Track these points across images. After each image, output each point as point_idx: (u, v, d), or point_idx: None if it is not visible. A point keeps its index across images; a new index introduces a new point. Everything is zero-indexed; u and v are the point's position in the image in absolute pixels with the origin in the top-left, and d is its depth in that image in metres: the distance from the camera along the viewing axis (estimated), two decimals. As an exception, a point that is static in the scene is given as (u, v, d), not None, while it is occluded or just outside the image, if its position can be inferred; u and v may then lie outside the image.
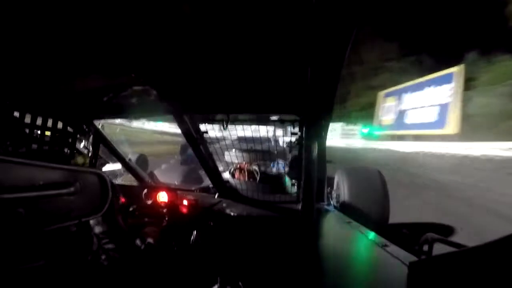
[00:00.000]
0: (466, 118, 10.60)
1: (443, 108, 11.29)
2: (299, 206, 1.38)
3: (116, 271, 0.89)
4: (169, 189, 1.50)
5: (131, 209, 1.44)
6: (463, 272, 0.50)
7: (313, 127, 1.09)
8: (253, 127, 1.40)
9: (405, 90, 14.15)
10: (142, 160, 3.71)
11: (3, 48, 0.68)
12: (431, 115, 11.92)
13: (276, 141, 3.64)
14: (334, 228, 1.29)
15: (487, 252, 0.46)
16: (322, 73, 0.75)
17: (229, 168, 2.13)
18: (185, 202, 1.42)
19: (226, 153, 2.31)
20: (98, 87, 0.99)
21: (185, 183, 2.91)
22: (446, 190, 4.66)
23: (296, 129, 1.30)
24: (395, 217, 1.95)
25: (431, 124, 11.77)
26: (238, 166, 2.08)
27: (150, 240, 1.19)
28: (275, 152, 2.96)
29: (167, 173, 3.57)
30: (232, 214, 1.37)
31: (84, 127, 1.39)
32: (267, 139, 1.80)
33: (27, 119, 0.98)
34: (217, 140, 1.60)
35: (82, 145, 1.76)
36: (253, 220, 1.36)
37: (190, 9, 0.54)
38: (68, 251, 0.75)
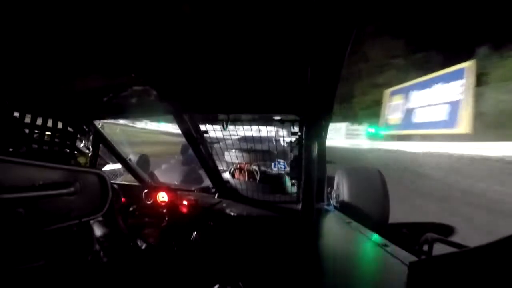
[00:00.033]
0: (478, 116, 9.77)
1: (454, 106, 10.56)
2: (299, 206, 1.38)
3: (116, 271, 0.89)
4: (169, 189, 1.50)
5: (131, 209, 1.44)
6: (463, 273, 0.50)
7: (313, 127, 1.09)
8: (254, 127, 1.40)
9: (413, 88, 13.39)
10: (144, 160, 3.71)
11: (3, 48, 0.68)
12: (441, 114, 11.16)
13: (277, 141, 3.64)
14: (334, 228, 1.29)
15: (487, 253, 0.46)
16: (322, 73, 0.75)
17: (229, 168, 2.13)
18: (185, 202, 1.42)
19: (226, 153, 2.31)
20: (98, 87, 0.99)
21: (185, 183, 2.91)
22: (486, 204, 3.71)
23: (296, 129, 1.30)
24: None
25: (441, 123, 11.02)
26: (238, 166, 2.08)
27: (150, 240, 1.19)
28: (275, 152, 2.96)
29: (167, 173, 3.57)
30: (232, 214, 1.37)
31: (84, 127, 1.39)
32: (267, 139, 1.80)
33: (27, 119, 0.98)
34: (217, 140, 1.60)
35: (82, 145, 1.76)
36: (253, 220, 1.36)
37: (190, 9, 0.54)
38: (68, 251, 0.75)
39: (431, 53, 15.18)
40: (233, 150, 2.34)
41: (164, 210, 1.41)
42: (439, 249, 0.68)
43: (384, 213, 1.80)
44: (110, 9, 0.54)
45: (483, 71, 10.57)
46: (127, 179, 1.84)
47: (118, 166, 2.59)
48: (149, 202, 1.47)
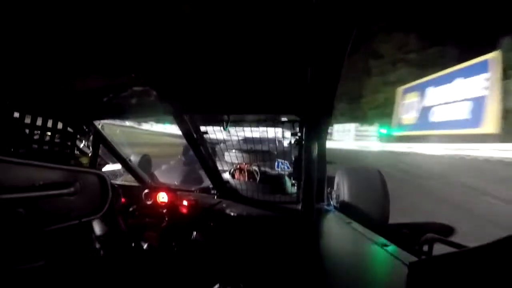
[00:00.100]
0: (507, 114, 8.44)
1: (478, 102, 9.23)
2: (299, 207, 1.38)
3: (116, 271, 0.89)
4: (169, 189, 1.50)
5: (131, 209, 1.44)
6: (463, 273, 0.50)
7: (313, 127, 1.09)
8: (254, 127, 1.40)
9: (429, 84, 12.07)
10: (145, 160, 3.71)
11: (3, 48, 0.68)
12: (463, 112, 9.84)
13: (280, 141, 3.64)
14: (334, 228, 1.29)
15: (487, 253, 0.46)
16: (322, 73, 0.75)
17: (229, 168, 2.13)
18: (185, 203, 1.42)
19: (226, 153, 2.31)
20: (98, 87, 0.99)
21: (185, 184, 2.91)
22: None
23: (296, 130, 1.30)
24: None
25: (464, 122, 9.75)
26: (238, 166, 2.08)
27: (150, 240, 1.19)
28: (275, 152, 2.96)
29: (168, 174, 3.57)
30: (232, 214, 1.37)
31: (84, 127, 1.39)
32: (267, 140, 1.80)
33: (27, 120, 0.98)
34: (217, 140, 1.59)
35: (82, 145, 1.76)
36: (253, 220, 1.36)
37: (190, 9, 0.54)
38: (68, 251, 0.75)
39: (446, 47, 13.89)
40: (233, 151, 2.34)
41: (164, 211, 1.41)
42: (439, 249, 0.68)
43: (384, 213, 1.80)
44: (110, 9, 0.55)
45: (510, 63, 9.05)
46: (127, 179, 1.84)
47: (118, 166, 2.59)
48: (149, 203, 1.47)
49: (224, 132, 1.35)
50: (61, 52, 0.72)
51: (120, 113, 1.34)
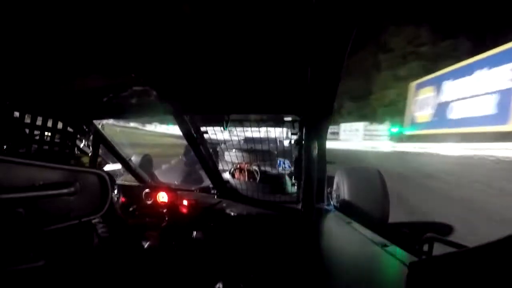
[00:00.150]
0: None
1: (505, 95, 8.02)
2: (299, 206, 1.38)
3: (116, 271, 0.89)
4: (169, 189, 1.50)
5: (131, 209, 1.44)
6: (463, 273, 0.50)
7: (313, 127, 1.09)
8: (254, 127, 1.40)
9: (446, 77, 10.66)
10: (147, 160, 3.72)
11: (3, 48, 0.68)
12: (487, 107, 8.58)
13: (280, 141, 3.64)
14: (334, 228, 1.29)
15: (487, 253, 0.46)
16: (322, 73, 0.75)
17: (229, 168, 2.13)
18: (185, 202, 1.42)
19: (226, 153, 2.31)
20: (98, 87, 0.99)
21: (185, 183, 2.91)
22: None
23: (296, 130, 1.30)
24: None
25: (488, 118, 8.53)
26: (238, 166, 2.09)
27: (150, 240, 1.19)
28: (275, 152, 2.96)
29: (168, 173, 3.57)
30: (232, 214, 1.37)
31: (84, 127, 1.39)
32: (268, 139, 1.80)
33: (27, 119, 0.98)
34: (217, 140, 1.60)
35: (82, 145, 1.76)
36: (253, 220, 1.36)
37: (190, 9, 0.54)
38: (68, 251, 0.75)
39: (460, 40, 12.72)
40: (233, 150, 2.34)
41: (164, 210, 1.41)
42: (440, 249, 0.68)
43: (384, 213, 1.80)
44: (110, 9, 0.54)
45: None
46: (127, 179, 1.84)
47: (118, 166, 2.59)
48: (149, 202, 1.47)
49: (224, 132, 1.35)
50: (61, 52, 0.72)
51: (120, 113, 1.34)
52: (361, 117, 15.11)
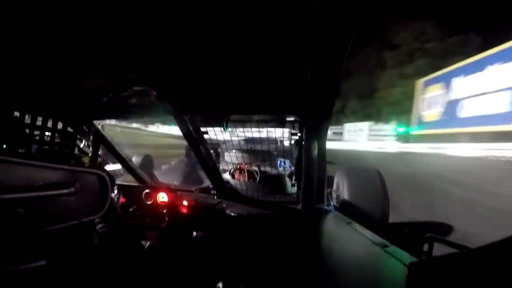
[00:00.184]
0: None
1: None
2: (299, 207, 1.38)
3: (116, 271, 0.89)
4: (169, 189, 1.50)
5: (131, 209, 1.44)
6: (463, 273, 0.50)
7: (313, 127, 1.09)
8: (254, 127, 1.40)
9: (456, 74, 10.14)
10: (147, 160, 3.72)
11: (3, 48, 0.68)
12: (501, 104, 8.06)
13: (280, 141, 3.64)
14: (334, 228, 1.29)
15: (488, 253, 0.46)
16: (322, 73, 0.75)
17: (229, 168, 2.13)
18: (185, 203, 1.42)
19: (226, 153, 2.31)
20: (98, 87, 0.99)
21: (185, 184, 2.91)
22: None
23: (296, 130, 1.30)
24: None
25: (502, 116, 8.00)
26: (238, 166, 2.08)
27: (150, 240, 1.19)
28: (275, 152, 2.96)
29: (168, 174, 3.58)
30: (232, 214, 1.37)
31: (84, 127, 1.39)
32: (268, 140, 1.80)
33: (27, 119, 0.98)
34: (217, 141, 1.59)
35: (82, 145, 1.76)
36: (253, 221, 1.36)
37: (190, 9, 0.54)
38: (68, 251, 0.75)
39: (470, 35, 12.11)
40: (233, 151, 2.34)
41: (164, 211, 1.41)
42: (440, 249, 0.68)
43: (384, 213, 1.80)
44: (110, 9, 0.55)
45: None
46: (127, 180, 1.84)
47: (118, 166, 2.59)
48: (149, 203, 1.47)
49: (224, 133, 1.35)
50: (61, 52, 0.73)
51: (120, 113, 1.34)
52: (365, 117, 14.62)
